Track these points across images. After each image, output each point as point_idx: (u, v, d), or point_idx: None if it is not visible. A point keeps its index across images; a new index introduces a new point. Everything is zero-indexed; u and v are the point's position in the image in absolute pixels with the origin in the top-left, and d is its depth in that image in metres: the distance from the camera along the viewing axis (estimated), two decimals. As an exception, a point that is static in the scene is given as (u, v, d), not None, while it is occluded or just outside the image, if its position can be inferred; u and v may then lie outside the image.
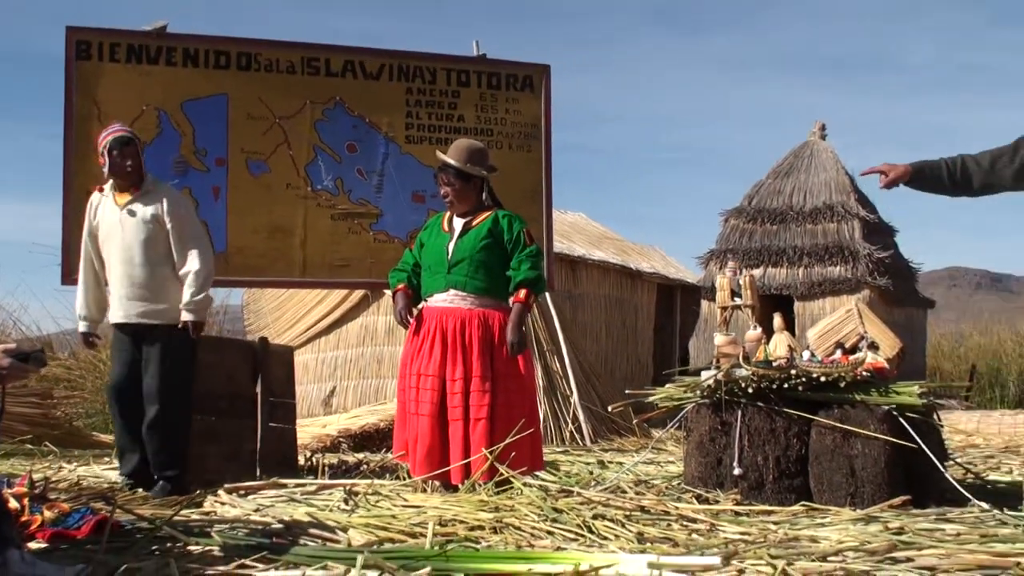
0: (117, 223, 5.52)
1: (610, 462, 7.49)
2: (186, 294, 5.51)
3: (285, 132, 6.74)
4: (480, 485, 5.03)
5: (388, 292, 6.46)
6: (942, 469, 5.31)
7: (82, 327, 5.81)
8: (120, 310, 5.56)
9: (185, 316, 5.51)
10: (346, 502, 4.96)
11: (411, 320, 5.53)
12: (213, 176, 6.60)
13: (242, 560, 3.50)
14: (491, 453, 5.14)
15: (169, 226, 5.50)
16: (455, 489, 5.22)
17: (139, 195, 5.53)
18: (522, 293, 5.43)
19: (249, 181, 6.66)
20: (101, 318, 5.78)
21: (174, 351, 5.54)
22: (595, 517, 4.31)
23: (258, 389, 6.51)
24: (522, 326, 5.45)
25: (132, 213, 5.50)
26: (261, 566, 3.47)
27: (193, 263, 5.52)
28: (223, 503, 5.02)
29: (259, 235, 6.67)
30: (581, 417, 9.69)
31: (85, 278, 5.72)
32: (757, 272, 15.90)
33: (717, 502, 5.09)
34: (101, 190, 5.65)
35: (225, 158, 6.62)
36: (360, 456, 7.87)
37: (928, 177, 4.81)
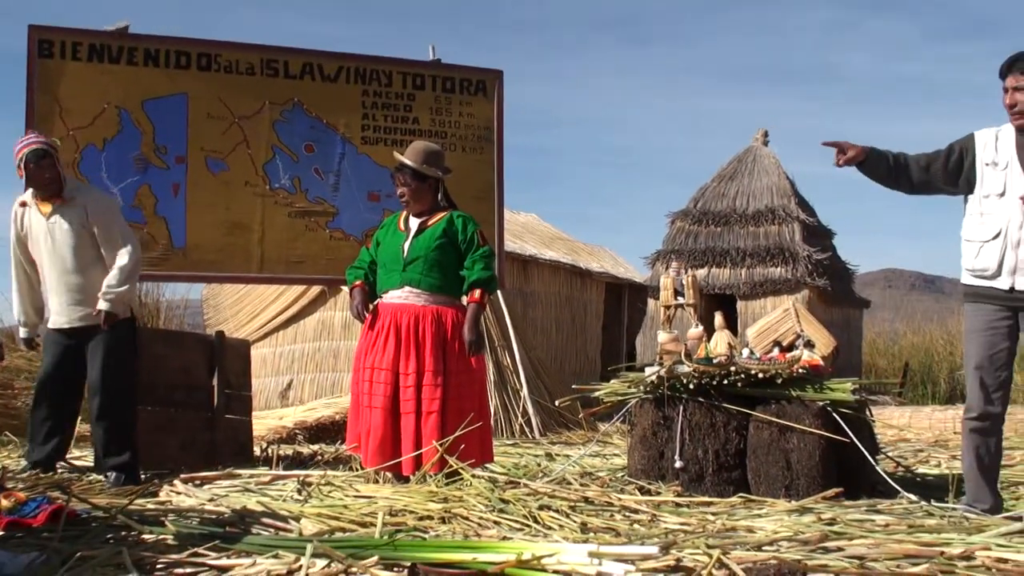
0: (45, 232, 5.55)
1: (557, 455, 7.59)
2: (105, 283, 5.51)
3: (244, 131, 6.82)
4: (430, 476, 5.13)
5: (345, 288, 6.57)
6: (873, 462, 5.50)
7: (23, 333, 5.88)
8: (62, 316, 5.60)
9: (101, 304, 5.50)
10: (299, 492, 5.03)
11: (367, 315, 5.68)
12: (173, 173, 6.68)
13: (195, 549, 3.55)
14: (441, 445, 5.25)
15: (95, 230, 5.53)
16: (406, 480, 5.32)
17: (62, 204, 5.54)
18: (476, 293, 5.57)
19: (208, 178, 6.74)
20: (40, 320, 5.82)
21: (116, 344, 5.60)
22: (541, 508, 4.41)
23: (214, 381, 6.62)
24: (479, 325, 5.58)
25: (58, 222, 5.52)
26: (213, 554, 3.52)
27: (121, 259, 5.55)
28: (178, 493, 5.07)
29: (218, 231, 6.75)
30: (530, 411, 9.83)
31: (18, 285, 5.77)
32: (702, 272, 16.15)
33: (659, 493, 5.22)
34: (24, 204, 5.65)
35: (185, 156, 6.70)
36: (315, 448, 7.92)
37: (876, 165, 5.04)
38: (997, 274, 4.73)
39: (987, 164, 4.82)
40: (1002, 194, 4.75)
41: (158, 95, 6.69)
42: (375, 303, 5.68)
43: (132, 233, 5.76)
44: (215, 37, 7.39)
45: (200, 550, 3.55)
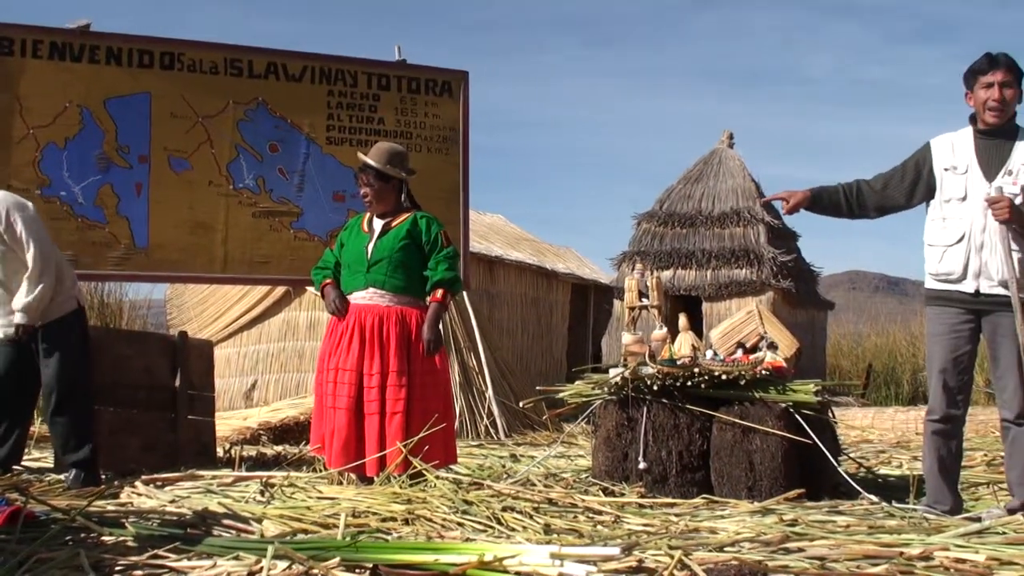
0: None
1: (522, 456, 7.61)
2: (17, 299, 5.42)
3: (208, 131, 6.78)
4: (394, 478, 5.11)
5: (311, 289, 6.55)
6: (835, 464, 5.54)
7: None
8: (6, 326, 5.54)
9: (17, 319, 5.43)
10: (262, 494, 5.00)
11: (342, 309, 5.64)
12: (136, 173, 6.62)
13: (155, 550, 3.53)
14: (405, 446, 5.25)
15: (8, 240, 5.42)
16: (370, 481, 5.30)
17: None
18: (439, 293, 5.57)
19: (171, 178, 6.69)
20: None
21: (66, 341, 5.55)
22: (504, 509, 4.41)
23: (177, 382, 6.58)
24: (438, 324, 5.58)
25: None
26: (174, 556, 3.50)
27: (28, 267, 5.43)
28: (139, 494, 5.04)
29: (181, 231, 6.70)
30: (496, 412, 9.84)
31: None
32: (667, 274, 16.23)
33: (623, 495, 5.23)
34: None
35: (147, 155, 6.64)
36: (279, 449, 7.91)
37: (827, 203, 5.12)
38: (962, 278, 4.78)
39: (946, 169, 4.88)
40: (963, 198, 4.80)
41: (121, 94, 6.63)
42: (347, 302, 5.66)
43: (42, 236, 5.51)
44: (178, 36, 7.31)
45: (160, 552, 3.52)
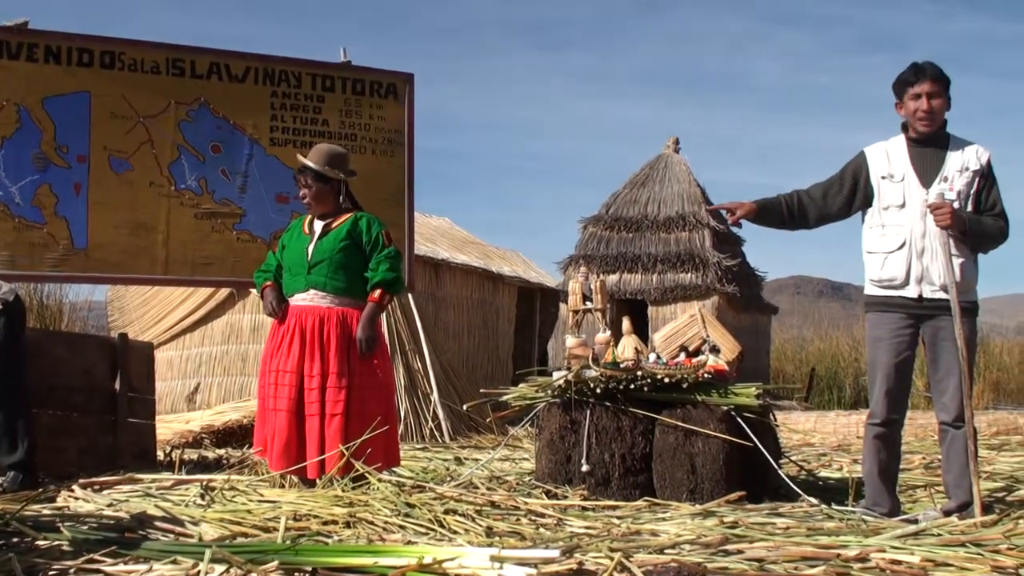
0: None
1: (467, 459, 7.61)
2: None
3: (149, 131, 6.70)
4: (336, 480, 5.09)
5: (254, 291, 6.50)
6: (776, 466, 5.60)
7: None
8: None
9: None
10: (202, 497, 4.95)
11: (279, 311, 5.61)
12: (75, 172, 6.53)
13: (90, 555, 3.50)
14: (347, 449, 5.23)
15: None
16: (312, 484, 5.28)
17: None
18: (377, 293, 5.54)
19: (111, 178, 6.61)
20: None
21: None
22: (447, 512, 4.41)
23: (117, 384, 6.50)
24: (373, 324, 5.54)
25: None
26: (110, 560, 3.47)
27: None
28: (76, 498, 4.98)
29: (121, 232, 6.61)
30: (441, 415, 9.82)
31: None
32: (613, 278, 16.31)
33: (566, 497, 5.25)
34: None
35: (87, 155, 6.55)
36: (221, 452, 7.83)
37: (771, 213, 5.19)
38: (905, 284, 4.85)
39: (883, 177, 4.95)
40: (902, 205, 4.87)
41: (59, 93, 6.54)
42: (285, 304, 5.63)
43: None
44: (119, 35, 7.21)
45: (96, 556, 3.50)
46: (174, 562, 3.43)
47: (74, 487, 5.19)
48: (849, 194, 5.05)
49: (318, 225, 5.62)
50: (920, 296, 4.83)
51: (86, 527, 3.99)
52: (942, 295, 4.77)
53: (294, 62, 7.17)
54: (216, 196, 6.86)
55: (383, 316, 9.50)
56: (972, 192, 4.83)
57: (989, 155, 4.88)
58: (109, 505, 4.77)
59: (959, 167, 4.83)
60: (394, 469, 5.73)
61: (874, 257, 4.95)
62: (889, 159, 4.95)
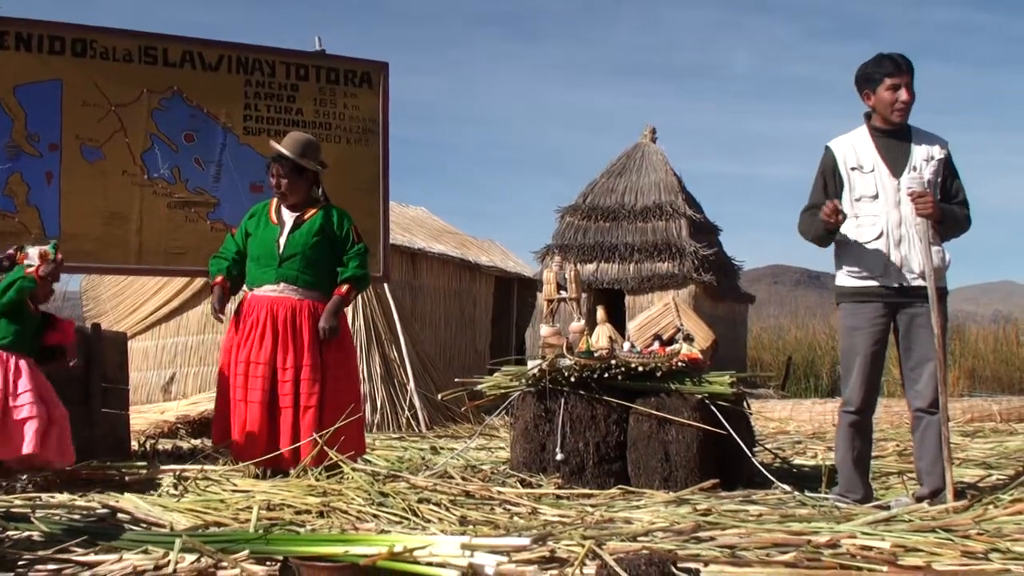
0: None
1: (443, 448, 7.62)
2: None
3: (121, 120, 6.63)
4: (311, 471, 5.12)
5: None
6: (749, 454, 5.65)
7: None
8: None
9: None
10: (175, 487, 4.98)
11: (222, 317, 5.64)
12: (46, 161, 6.46)
13: (62, 545, 3.50)
14: (321, 438, 5.25)
15: None
16: (286, 475, 5.30)
17: None
18: (344, 288, 5.60)
19: (83, 167, 6.54)
20: None
21: None
22: (421, 501, 4.44)
23: (90, 375, 6.47)
24: (337, 316, 5.59)
25: None
26: (81, 551, 3.48)
27: None
28: (48, 489, 4.98)
29: (94, 221, 6.55)
30: (417, 404, 9.82)
31: None
32: (590, 267, 16.34)
33: (540, 486, 5.28)
34: None
35: (59, 144, 6.49)
36: (197, 442, 7.82)
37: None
38: (883, 273, 4.88)
39: (853, 169, 4.98)
40: (875, 196, 4.90)
41: (30, 81, 6.46)
42: (241, 296, 5.65)
43: None
44: (91, 22, 7.14)
45: (67, 546, 3.50)
46: (145, 552, 3.44)
47: (46, 477, 5.16)
48: (836, 190, 5.08)
49: (287, 215, 5.62)
50: (900, 285, 4.86)
51: (58, 518, 4.01)
52: (920, 282, 4.81)
53: (268, 51, 7.11)
54: (190, 185, 6.81)
55: (357, 306, 9.51)
56: (938, 181, 4.90)
57: (947, 143, 4.97)
58: (82, 495, 4.77)
59: (925, 157, 4.89)
60: (369, 459, 5.75)
61: (850, 247, 4.97)
62: (856, 150, 4.98)
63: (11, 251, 5.21)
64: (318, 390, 5.45)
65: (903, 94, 4.86)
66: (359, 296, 7.96)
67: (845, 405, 5.03)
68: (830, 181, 5.06)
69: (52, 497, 4.75)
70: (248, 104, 6.98)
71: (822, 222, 4.85)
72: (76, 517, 4.05)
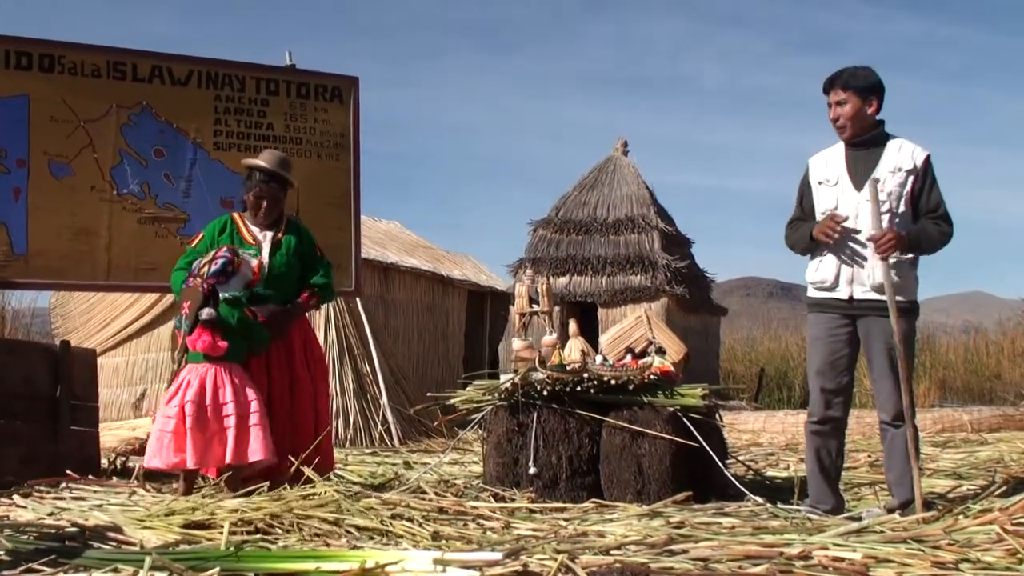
0: None
1: (416, 463, 7.62)
2: None
3: (90, 135, 6.59)
4: (284, 488, 5.07)
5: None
6: (722, 466, 5.67)
7: None
8: None
9: None
10: (145, 505, 4.93)
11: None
12: (13, 177, 6.41)
13: (29, 564, 3.45)
14: (297, 456, 5.22)
15: None
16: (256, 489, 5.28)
17: None
18: (306, 294, 5.62)
19: (51, 183, 6.49)
20: None
21: None
22: (393, 517, 4.40)
23: (59, 392, 6.41)
24: (290, 317, 5.60)
25: None
26: (49, 570, 3.43)
27: None
28: (17, 506, 4.94)
29: (62, 237, 6.51)
30: (390, 419, 9.81)
31: None
32: (563, 280, 16.37)
33: (513, 500, 5.27)
34: None
35: (26, 159, 6.43)
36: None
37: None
38: (835, 285, 4.92)
39: (820, 183, 5.03)
40: (834, 209, 4.94)
41: (-3, 96, 6.42)
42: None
43: None
44: (58, 37, 7.10)
45: (35, 565, 3.45)
46: (115, 571, 3.40)
47: (14, 496, 5.13)
48: (809, 207, 5.13)
49: (261, 235, 5.61)
50: (851, 297, 4.89)
51: (25, 536, 3.94)
52: (873, 295, 4.84)
53: (238, 65, 7.09)
54: (159, 201, 6.77)
55: (329, 320, 9.49)
56: (906, 192, 4.87)
57: (927, 155, 4.90)
58: (50, 514, 4.71)
59: (892, 167, 4.87)
60: (341, 474, 5.74)
61: (811, 259, 5.03)
62: (828, 164, 5.04)
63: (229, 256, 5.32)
64: (310, 404, 5.48)
65: (831, 112, 4.95)
66: (330, 308, 7.94)
67: (809, 416, 5.09)
68: (806, 195, 5.12)
69: (20, 515, 4.70)
70: (218, 119, 6.94)
71: (823, 234, 4.90)
72: (44, 535, 3.99)
